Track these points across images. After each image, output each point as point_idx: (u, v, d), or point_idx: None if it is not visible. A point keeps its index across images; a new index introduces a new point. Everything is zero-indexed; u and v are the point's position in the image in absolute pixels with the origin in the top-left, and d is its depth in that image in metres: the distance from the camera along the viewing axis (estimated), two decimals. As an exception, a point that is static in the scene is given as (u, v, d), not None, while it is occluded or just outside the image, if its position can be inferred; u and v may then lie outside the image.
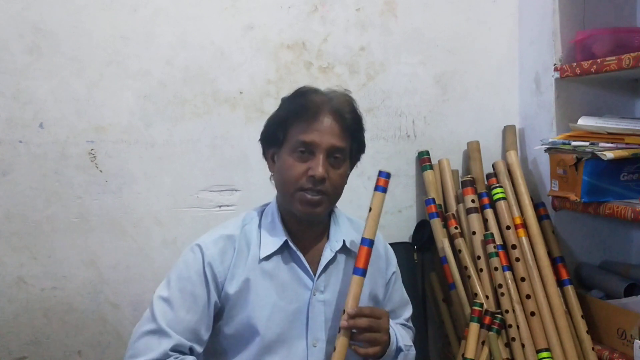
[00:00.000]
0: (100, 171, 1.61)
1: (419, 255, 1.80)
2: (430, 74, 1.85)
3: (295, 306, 1.21)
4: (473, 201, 1.72)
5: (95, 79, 1.58)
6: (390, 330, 1.23)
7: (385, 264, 1.36)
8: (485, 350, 1.55)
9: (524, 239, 1.66)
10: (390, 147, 1.83)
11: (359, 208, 1.79)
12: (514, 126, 1.87)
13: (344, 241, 1.27)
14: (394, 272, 1.37)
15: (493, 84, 1.90)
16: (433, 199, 1.77)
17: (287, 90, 1.32)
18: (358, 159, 1.30)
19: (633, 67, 1.41)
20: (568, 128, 1.67)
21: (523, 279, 1.61)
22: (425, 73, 1.84)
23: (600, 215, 1.53)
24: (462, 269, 1.68)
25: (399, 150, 1.84)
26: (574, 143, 1.55)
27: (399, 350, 1.26)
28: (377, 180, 1.23)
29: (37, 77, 1.54)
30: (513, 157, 1.80)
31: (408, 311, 1.41)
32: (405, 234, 1.86)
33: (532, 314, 1.59)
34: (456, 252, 1.71)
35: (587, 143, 1.53)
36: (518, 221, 1.68)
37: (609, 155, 1.44)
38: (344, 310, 1.15)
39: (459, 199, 1.78)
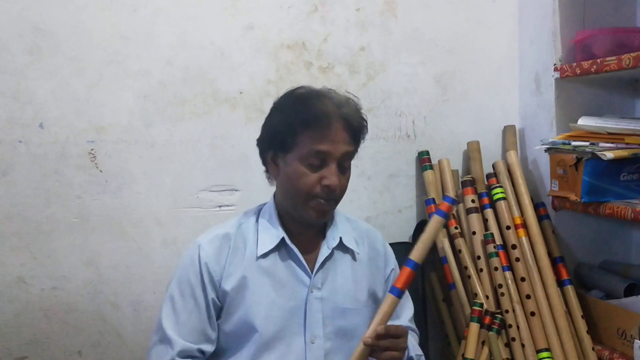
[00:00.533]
0: (100, 171, 1.61)
1: (419, 255, 1.80)
2: (430, 74, 1.85)
3: (293, 303, 1.21)
4: (473, 201, 1.72)
5: (95, 79, 1.58)
6: None
7: (384, 261, 1.37)
8: (485, 350, 1.55)
9: (524, 239, 1.66)
10: (390, 147, 1.83)
11: (359, 208, 1.81)
12: (514, 126, 1.87)
13: (340, 238, 1.28)
14: (392, 269, 1.37)
15: (493, 84, 1.90)
16: (433, 199, 1.77)
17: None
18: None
19: (633, 67, 1.41)
20: (568, 128, 1.67)
21: (523, 279, 1.61)
22: (425, 73, 1.84)
23: (600, 215, 1.53)
24: (462, 269, 1.68)
25: (399, 150, 1.84)
26: (574, 143, 1.55)
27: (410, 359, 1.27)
28: (440, 203, 1.20)
29: (37, 77, 1.54)
30: (513, 157, 1.80)
31: (409, 309, 1.40)
32: (405, 234, 1.86)
33: (532, 314, 1.59)
34: (456, 252, 1.71)
35: (587, 143, 1.53)
36: (518, 221, 1.68)
37: (609, 155, 1.44)
38: (370, 326, 1.14)
39: (459, 199, 1.78)
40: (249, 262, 1.22)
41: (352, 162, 1.26)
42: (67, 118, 1.57)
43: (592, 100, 1.73)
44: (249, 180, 1.70)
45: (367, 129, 1.26)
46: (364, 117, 1.25)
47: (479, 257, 1.67)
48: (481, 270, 1.66)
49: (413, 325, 1.39)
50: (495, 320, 1.57)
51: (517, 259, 1.63)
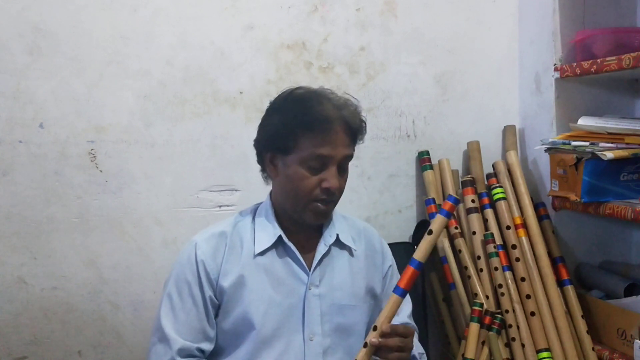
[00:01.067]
0: (100, 171, 1.61)
1: (419, 255, 1.80)
2: (430, 74, 1.85)
3: (291, 301, 1.22)
4: (473, 201, 1.72)
5: (95, 79, 1.58)
6: None
7: (382, 258, 1.37)
8: (485, 350, 1.55)
9: (524, 239, 1.66)
10: (390, 147, 1.83)
11: (359, 208, 1.81)
12: (514, 126, 1.87)
13: (337, 235, 1.28)
14: (390, 266, 1.38)
15: (493, 84, 1.90)
16: (433, 199, 1.77)
17: (288, 91, 1.32)
18: None
19: (633, 67, 1.41)
20: (568, 128, 1.67)
21: (523, 279, 1.61)
22: (425, 73, 1.84)
23: (600, 215, 1.53)
24: (462, 269, 1.68)
25: (399, 150, 1.84)
26: (574, 143, 1.55)
27: (413, 358, 1.27)
28: (444, 203, 1.21)
29: (37, 77, 1.54)
30: (513, 157, 1.80)
31: (408, 306, 1.40)
32: (405, 234, 1.86)
33: (532, 314, 1.59)
34: (456, 252, 1.71)
35: (587, 143, 1.53)
36: (518, 221, 1.68)
37: (609, 155, 1.44)
38: (375, 326, 1.15)
39: (460, 199, 1.78)
40: (246, 260, 1.22)
41: (352, 162, 1.26)
42: (67, 118, 1.57)
43: (592, 100, 1.73)
44: (249, 180, 1.70)
45: (365, 130, 1.26)
46: (363, 118, 1.25)
47: (479, 257, 1.67)
48: (481, 270, 1.66)
49: (412, 322, 1.40)
50: (495, 320, 1.57)
51: (517, 259, 1.63)
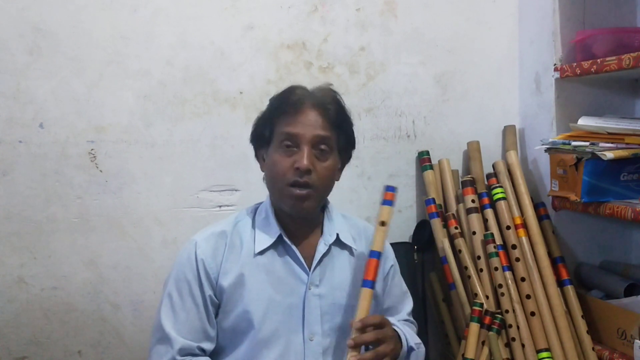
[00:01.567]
0: (100, 171, 1.61)
1: (419, 255, 1.80)
2: (430, 74, 1.85)
3: (291, 300, 1.22)
4: (473, 201, 1.72)
5: (95, 79, 1.58)
6: (400, 333, 1.24)
7: (383, 258, 1.36)
8: (485, 350, 1.55)
9: (524, 239, 1.66)
10: (390, 147, 1.83)
11: (359, 208, 1.80)
12: (514, 126, 1.87)
13: (337, 235, 1.28)
14: (391, 266, 1.38)
15: (493, 84, 1.90)
16: (433, 199, 1.77)
17: (288, 91, 1.32)
18: (349, 156, 1.30)
19: (633, 67, 1.41)
20: (568, 128, 1.67)
21: (523, 279, 1.61)
22: (425, 73, 1.84)
23: (600, 215, 1.53)
24: (462, 269, 1.68)
25: (399, 150, 1.84)
26: (574, 143, 1.55)
27: (410, 350, 1.26)
28: (385, 194, 1.23)
29: (37, 77, 1.54)
30: (513, 157, 1.80)
31: (409, 304, 1.41)
32: (405, 234, 1.86)
33: (532, 314, 1.59)
34: (456, 252, 1.71)
35: (587, 143, 1.53)
36: (518, 221, 1.68)
37: (609, 155, 1.44)
38: (351, 325, 1.15)
39: (459, 199, 1.78)
40: (246, 259, 1.22)
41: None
42: (67, 118, 1.57)
43: (592, 100, 1.73)
44: (249, 180, 1.70)
45: (346, 117, 1.25)
46: (342, 103, 1.25)
47: (479, 257, 1.67)
48: (481, 270, 1.66)
49: (411, 318, 1.40)
50: (495, 320, 1.57)
51: (517, 259, 1.63)
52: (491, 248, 1.64)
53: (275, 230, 1.24)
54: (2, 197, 1.54)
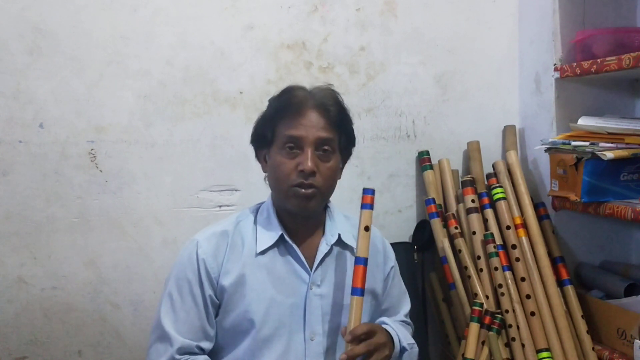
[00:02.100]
0: (100, 171, 1.61)
1: (419, 255, 1.80)
2: (430, 74, 1.85)
3: (293, 300, 1.22)
4: (473, 201, 1.72)
5: (95, 79, 1.58)
6: (392, 332, 1.24)
7: (384, 258, 1.37)
8: (485, 350, 1.55)
9: (524, 239, 1.66)
10: (390, 147, 1.83)
11: (359, 208, 1.80)
12: (514, 126, 1.87)
13: (339, 234, 1.28)
14: (392, 267, 1.38)
15: (493, 84, 1.90)
16: (433, 199, 1.77)
17: (288, 91, 1.32)
18: (349, 153, 1.31)
19: (633, 67, 1.41)
20: (568, 128, 1.67)
21: (523, 279, 1.61)
22: (425, 73, 1.84)
23: (600, 215, 1.53)
24: (462, 269, 1.68)
25: (399, 150, 1.84)
26: (574, 143, 1.55)
27: (403, 350, 1.26)
28: (363, 198, 1.22)
29: (37, 77, 1.54)
30: (513, 157, 1.80)
31: (406, 305, 1.41)
32: (405, 234, 1.86)
33: (532, 314, 1.59)
34: (456, 252, 1.71)
35: (587, 143, 1.53)
36: (518, 221, 1.68)
37: (609, 155, 1.44)
38: (342, 334, 1.15)
39: (459, 199, 1.78)
40: (247, 259, 1.22)
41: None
42: (67, 118, 1.57)
43: (592, 100, 1.73)
44: (249, 180, 1.70)
45: (347, 116, 1.25)
46: (342, 104, 1.24)
47: (479, 257, 1.67)
48: (481, 270, 1.66)
49: (408, 319, 1.40)
50: (495, 320, 1.57)
51: (517, 259, 1.63)
52: (491, 248, 1.64)
53: (277, 230, 1.24)
54: (2, 197, 1.54)
